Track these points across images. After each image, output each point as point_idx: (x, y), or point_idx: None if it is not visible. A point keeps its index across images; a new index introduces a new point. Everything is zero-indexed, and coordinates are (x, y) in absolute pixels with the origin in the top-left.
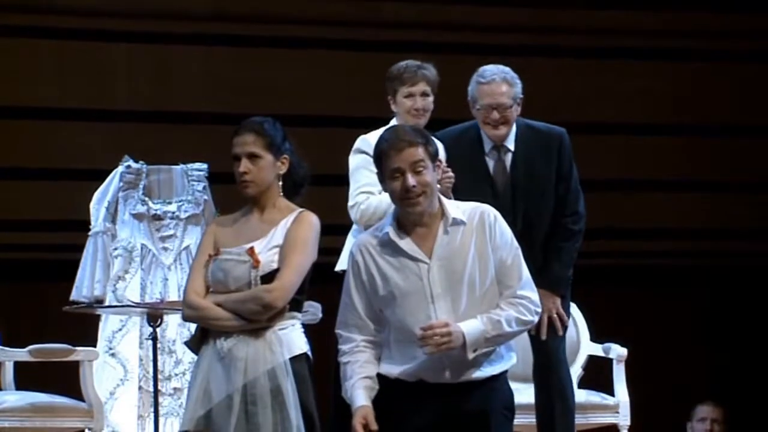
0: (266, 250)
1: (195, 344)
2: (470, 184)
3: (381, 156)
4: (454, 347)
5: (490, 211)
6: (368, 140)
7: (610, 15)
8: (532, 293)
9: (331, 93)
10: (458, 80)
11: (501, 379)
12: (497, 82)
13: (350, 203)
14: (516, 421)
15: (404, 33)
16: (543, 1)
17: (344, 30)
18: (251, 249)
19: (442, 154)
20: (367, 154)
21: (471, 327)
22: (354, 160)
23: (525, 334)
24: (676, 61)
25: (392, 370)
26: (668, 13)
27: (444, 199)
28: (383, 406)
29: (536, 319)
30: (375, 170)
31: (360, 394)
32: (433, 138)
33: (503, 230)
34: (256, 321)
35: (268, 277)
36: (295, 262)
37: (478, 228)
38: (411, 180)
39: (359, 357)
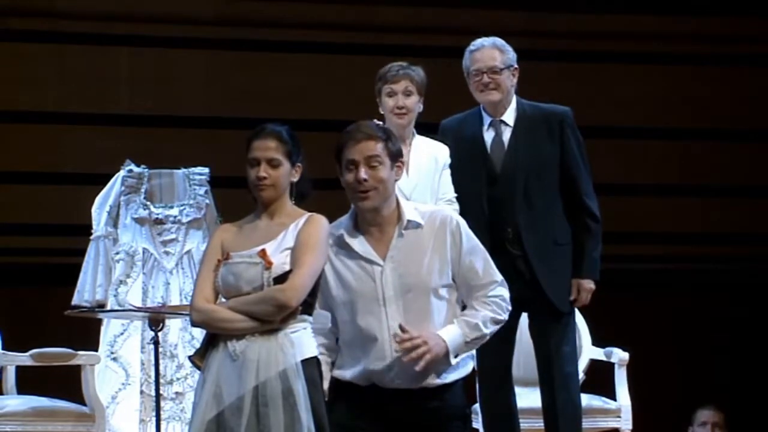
0: (278, 252)
1: (199, 359)
2: (466, 161)
3: (340, 148)
4: (438, 355)
5: (452, 217)
6: None
7: (606, 19)
8: (504, 290)
9: (332, 97)
10: (456, 84)
11: (455, 387)
12: (487, 47)
13: None
14: (522, 426)
15: (405, 37)
16: (540, 5)
17: (345, 34)
18: (263, 251)
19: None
20: None
21: (451, 334)
22: None
23: (527, 335)
24: (674, 64)
25: (344, 373)
26: (666, 16)
27: (402, 201)
28: (336, 408)
29: (507, 317)
30: None
31: None
32: (396, 137)
33: (469, 235)
34: (270, 322)
35: (281, 279)
36: (307, 262)
37: (438, 233)
38: (363, 173)
39: None
